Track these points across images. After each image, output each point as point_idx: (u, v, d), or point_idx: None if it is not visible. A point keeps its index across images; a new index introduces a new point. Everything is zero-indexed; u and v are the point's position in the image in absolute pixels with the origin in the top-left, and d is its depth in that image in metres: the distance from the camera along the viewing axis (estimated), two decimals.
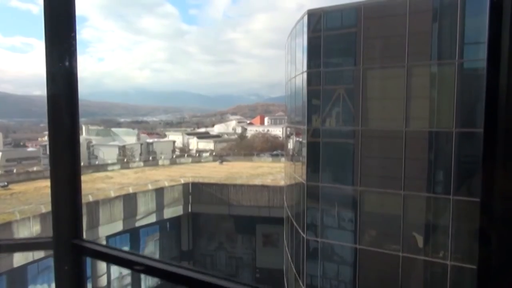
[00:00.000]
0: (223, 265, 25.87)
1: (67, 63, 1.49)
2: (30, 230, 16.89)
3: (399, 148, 11.92)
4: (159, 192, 22.82)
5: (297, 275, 15.11)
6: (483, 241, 0.80)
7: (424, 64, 12.08)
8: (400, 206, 12.06)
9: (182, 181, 24.38)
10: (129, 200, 21.19)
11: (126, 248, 22.46)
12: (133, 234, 23.10)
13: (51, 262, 1.79)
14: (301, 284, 14.52)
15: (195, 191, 24.43)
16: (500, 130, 0.77)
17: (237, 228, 25.53)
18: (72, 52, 1.50)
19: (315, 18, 13.89)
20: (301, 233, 14.23)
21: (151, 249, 24.19)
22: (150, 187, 22.69)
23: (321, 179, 13.52)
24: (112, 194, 20.65)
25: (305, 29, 14.09)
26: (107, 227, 20.19)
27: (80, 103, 1.55)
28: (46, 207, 17.34)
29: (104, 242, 20.32)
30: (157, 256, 24.35)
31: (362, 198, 12.83)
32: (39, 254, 17.07)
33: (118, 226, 20.76)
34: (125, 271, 22.65)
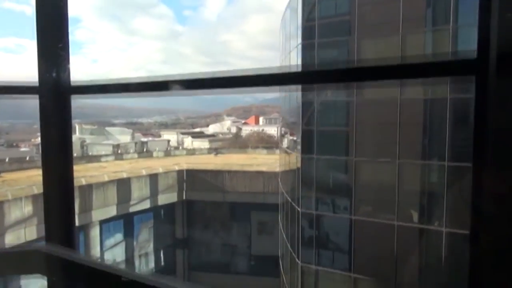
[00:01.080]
0: (218, 253, 25.70)
1: (59, 66, 1.47)
2: (22, 210, 16.70)
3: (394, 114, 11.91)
4: (153, 178, 22.67)
5: (292, 252, 15.03)
6: (474, 242, 0.81)
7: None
8: (395, 175, 12.04)
9: (177, 168, 24.24)
10: (123, 185, 21.01)
11: (120, 235, 22.36)
12: (127, 221, 22.89)
13: None
14: (297, 260, 14.44)
15: (190, 178, 24.30)
16: (489, 134, 0.77)
17: (232, 216, 25.40)
18: (64, 54, 1.48)
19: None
20: (296, 207, 14.17)
21: (145, 236, 23.97)
22: (144, 172, 22.53)
23: (315, 152, 13.49)
24: (106, 178, 20.48)
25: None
26: (101, 212, 19.99)
27: (73, 105, 1.55)
28: (38, 188, 17.14)
29: (97, 227, 20.15)
30: (151, 245, 24.25)
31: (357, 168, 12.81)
32: (32, 234, 16.90)
33: (112, 211, 20.57)
34: (119, 258, 22.43)
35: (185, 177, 24.28)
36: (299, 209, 13.79)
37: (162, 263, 24.98)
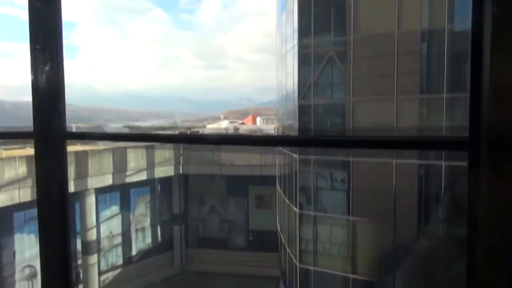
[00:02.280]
0: (215, 229, 25.48)
1: (53, 70, 1.47)
2: (16, 171, 16.50)
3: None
4: (150, 149, 22.50)
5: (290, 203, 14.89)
6: (470, 250, 0.82)
7: None
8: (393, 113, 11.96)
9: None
10: (119, 154, 20.83)
11: (116, 208, 22.13)
12: (123, 194, 22.68)
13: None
14: (295, 209, 14.29)
15: (187, 151, 24.14)
16: (483, 143, 0.78)
17: (229, 191, 25.21)
18: (59, 59, 1.47)
19: None
20: (293, 155, 14.06)
21: (141, 210, 23.73)
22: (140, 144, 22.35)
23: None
24: (101, 146, 20.30)
25: None
26: (96, 179, 19.80)
27: (69, 107, 1.56)
28: (32, 150, 16.90)
29: (93, 195, 19.93)
30: (148, 220, 24.03)
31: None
32: (26, 196, 16.65)
33: (108, 180, 20.37)
34: (115, 231, 22.14)
35: (181, 151, 24.12)
36: (296, 156, 13.70)
37: (159, 239, 24.71)
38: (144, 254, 23.57)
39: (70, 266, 1.52)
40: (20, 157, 16.60)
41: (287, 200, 15.41)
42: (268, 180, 22.49)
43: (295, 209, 13.98)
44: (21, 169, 16.58)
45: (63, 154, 1.56)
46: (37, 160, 1.58)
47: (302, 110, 14.34)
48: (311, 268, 13.55)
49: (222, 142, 1.37)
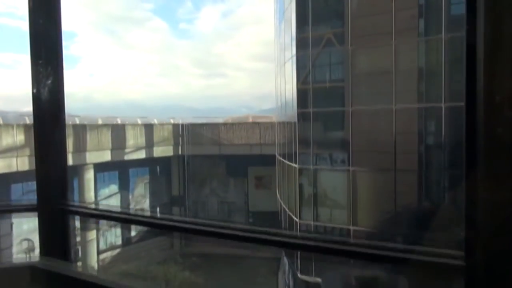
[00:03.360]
0: (215, 210, 25.30)
1: (53, 82, 1.48)
2: (14, 138, 16.39)
3: None
4: (149, 128, 22.44)
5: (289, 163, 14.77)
6: (469, 252, 0.84)
7: None
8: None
9: (172, 121, 24.05)
10: (117, 131, 20.75)
11: (115, 187, 22.01)
12: (122, 173, 22.57)
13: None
14: (294, 165, 14.18)
15: (186, 132, 24.09)
16: (479, 146, 0.80)
17: (229, 172, 25.08)
18: (58, 70, 1.50)
19: None
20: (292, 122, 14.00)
21: (140, 191, 23.60)
22: (139, 121, 22.31)
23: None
24: (100, 121, 20.25)
25: None
26: (95, 154, 19.67)
27: (69, 118, 1.66)
28: (29, 119, 16.85)
29: (91, 170, 19.78)
30: (147, 201, 23.87)
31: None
32: (24, 165, 16.52)
33: (106, 156, 20.25)
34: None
35: (180, 132, 24.06)
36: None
37: None
38: (143, 236, 23.33)
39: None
40: (18, 126, 16.50)
41: (286, 161, 15.31)
42: (268, 160, 22.32)
43: (294, 165, 13.88)
44: (19, 137, 16.47)
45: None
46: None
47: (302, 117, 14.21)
48: (311, 223, 13.41)
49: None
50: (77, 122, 19.02)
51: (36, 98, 1.46)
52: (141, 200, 23.51)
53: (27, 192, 18.01)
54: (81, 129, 18.96)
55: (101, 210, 1.58)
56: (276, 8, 19.59)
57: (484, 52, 0.77)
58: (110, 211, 1.58)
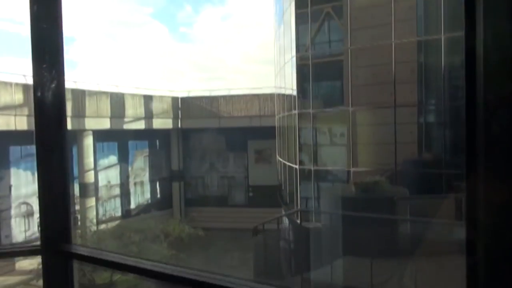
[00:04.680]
0: (214, 186, 25.18)
1: (55, 88, 1.50)
2: (12, 96, 16.34)
3: None
4: (148, 99, 22.39)
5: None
6: (470, 254, 0.83)
7: None
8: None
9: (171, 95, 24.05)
10: (117, 99, 20.71)
11: (114, 158, 21.90)
12: (121, 145, 22.49)
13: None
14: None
15: (185, 105, 24.06)
16: (479, 142, 0.80)
17: (228, 146, 24.98)
18: (60, 75, 1.52)
19: None
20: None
21: (140, 164, 23.49)
22: (138, 92, 22.29)
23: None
24: (99, 88, 20.23)
25: None
26: (94, 121, 19.61)
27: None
28: (27, 79, 16.81)
29: (90, 137, 19.69)
30: (147, 174, 23.73)
31: None
32: (22, 124, 16.41)
33: (105, 123, 20.20)
34: (114, 181, 21.85)
35: (180, 105, 24.03)
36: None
37: (158, 195, 24.40)
38: (143, 209, 23.18)
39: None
40: (17, 84, 16.47)
41: (286, 113, 15.25)
42: (268, 132, 22.16)
43: (294, 111, 13.82)
44: (17, 96, 16.42)
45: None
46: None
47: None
48: (311, 167, 13.30)
49: None
50: (76, 86, 18.97)
51: (38, 103, 1.48)
52: (140, 173, 23.40)
53: (25, 156, 17.94)
54: (80, 94, 18.92)
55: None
56: (275, 10, 19.59)
57: (484, 54, 0.77)
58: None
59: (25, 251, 1.77)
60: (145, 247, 13.82)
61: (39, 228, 1.59)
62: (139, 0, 39.55)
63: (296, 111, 13.51)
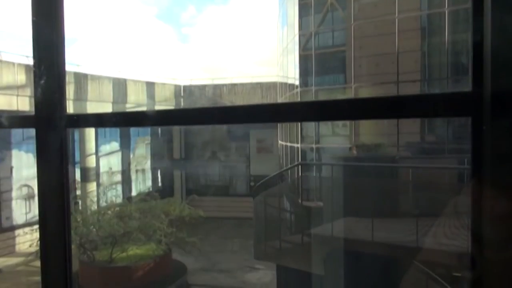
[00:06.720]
0: (216, 175, 25.11)
1: (56, 89, 1.46)
2: (15, 77, 16.35)
3: None
4: (150, 85, 22.39)
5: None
6: (474, 263, 0.82)
7: None
8: None
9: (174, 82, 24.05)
10: (119, 85, 20.71)
11: (116, 144, 21.89)
12: (123, 131, 22.45)
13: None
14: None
15: (187, 93, 24.04)
16: (485, 152, 0.78)
17: (230, 136, 24.93)
18: (61, 76, 1.49)
19: None
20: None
21: (141, 152, 23.46)
22: (141, 79, 22.29)
23: None
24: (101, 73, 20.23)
25: None
26: (96, 105, 19.59)
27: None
28: (30, 60, 16.77)
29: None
30: (148, 162, 23.72)
31: None
32: (24, 105, 16.43)
33: (108, 107, 20.18)
34: (115, 168, 21.81)
35: (182, 93, 24.02)
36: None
37: (160, 184, 24.35)
38: (144, 197, 23.08)
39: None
40: (19, 65, 16.48)
41: (288, 93, 15.18)
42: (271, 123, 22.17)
43: (296, 90, 13.76)
44: (20, 77, 16.43)
45: (65, 141, 1.51)
46: (38, 148, 1.52)
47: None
48: (313, 146, 13.23)
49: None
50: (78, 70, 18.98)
51: (38, 104, 1.46)
52: (142, 161, 23.36)
53: (27, 138, 17.92)
54: (82, 78, 18.93)
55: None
56: (279, 12, 19.54)
57: (491, 52, 0.75)
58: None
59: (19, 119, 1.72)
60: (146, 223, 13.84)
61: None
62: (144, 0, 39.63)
63: (299, 89, 13.45)
